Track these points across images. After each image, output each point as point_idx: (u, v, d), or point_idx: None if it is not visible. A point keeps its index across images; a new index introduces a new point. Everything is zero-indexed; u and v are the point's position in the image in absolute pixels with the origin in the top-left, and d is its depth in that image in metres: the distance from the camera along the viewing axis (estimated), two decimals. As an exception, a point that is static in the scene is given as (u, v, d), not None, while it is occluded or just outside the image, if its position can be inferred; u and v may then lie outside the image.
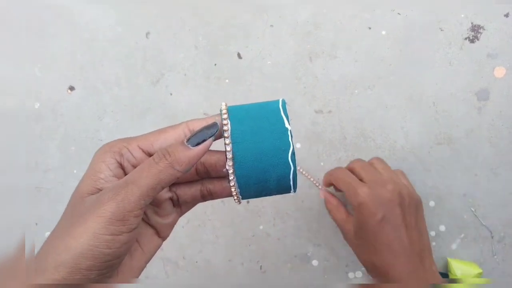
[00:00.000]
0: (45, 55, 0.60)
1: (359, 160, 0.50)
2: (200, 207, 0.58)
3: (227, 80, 0.58)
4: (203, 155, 0.28)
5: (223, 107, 0.30)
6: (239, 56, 0.58)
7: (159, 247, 0.33)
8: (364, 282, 0.56)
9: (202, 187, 0.33)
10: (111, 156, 0.28)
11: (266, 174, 0.29)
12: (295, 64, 0.57)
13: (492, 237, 0.55)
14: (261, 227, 0.57)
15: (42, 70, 0.60)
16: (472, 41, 0.55)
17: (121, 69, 0.59)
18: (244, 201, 0.58)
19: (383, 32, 0.56)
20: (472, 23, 0.55)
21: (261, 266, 0.58)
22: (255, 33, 0.58)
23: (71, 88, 0.60)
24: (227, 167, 0.29)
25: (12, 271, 0.25)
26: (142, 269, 0.32)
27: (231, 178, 0.29)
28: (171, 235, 0.57)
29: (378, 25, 0.56)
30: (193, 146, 0.27)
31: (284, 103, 0.31)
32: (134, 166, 0.29)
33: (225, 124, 0.29)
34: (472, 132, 0.55)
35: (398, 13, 0.56)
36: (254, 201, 0.57)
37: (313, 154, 0.57)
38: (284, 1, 0.57)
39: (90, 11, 0.60)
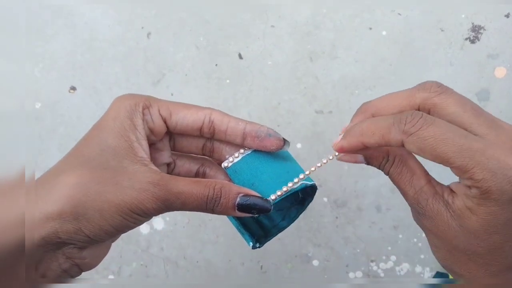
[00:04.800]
0: (45, 55, 0.60)
1: (435, 84, 0.28)
2: (200, 207, 0.58)
3: (227, 80, 0.58)
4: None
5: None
6: (239, 56, 0.58)
7: None
8: (364, 283, 0.56)
9: (201, 168, 0.33)
10: (140, 117, 0.28)
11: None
12: (295, 64, 0.57)
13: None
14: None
15: (42, 70, 0.60)
16: (472, 41, 0.55)
17: (121, 69, 0.59)
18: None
19: (384, 32, 0.56)
20: (472, 23, 0.55)
21: (261, 266, 0.58)
22: (255, 33, 0.57)
23: (72, 88, 0.60)
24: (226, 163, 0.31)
25: (9, 193, 0.26)
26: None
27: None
28: (171, 235, 0.57)
29: (378, 25, 0.56)
30: (239, 210, 0.28)
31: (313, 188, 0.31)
32: (150, 128, 0.29)
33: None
34: (472, 132, 0.55)
35: (399, 13, 0.55)
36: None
37: (313, 155, 0.56)
38: (284, 1, 0.57)
39: (90, 11, 0.59)
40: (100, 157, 0.27)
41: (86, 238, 0.26)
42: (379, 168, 0.29)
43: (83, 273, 0.29)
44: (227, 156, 0.31)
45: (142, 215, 0.26)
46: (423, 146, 0.24)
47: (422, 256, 0.56)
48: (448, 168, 0.25)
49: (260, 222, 0.34)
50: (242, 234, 0.31)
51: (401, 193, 0.28)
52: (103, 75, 0.59)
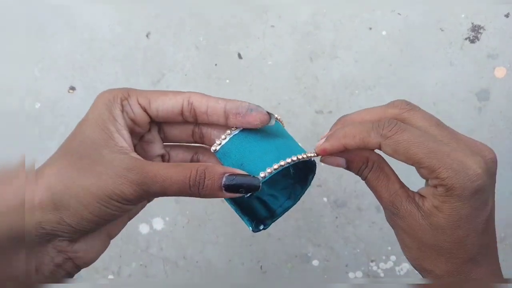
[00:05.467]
0: (45, 55, 0.60)
1: (403, 102, 0.31)
2: (201, 207, 0.58)
3: (227, 80, 0.58)
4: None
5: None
6: (239, 56, 0.58)
7: (143, 207, 0.33)
8: (364, 283, 0.56)
9: (194, 156, 0.33)
10: (119, 109, 0.29)
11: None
12: (295, 64, 0.57)
13: (492, 237, 0.55)
14: (261, 227, 0.57)
15: (42, 70, 0.60)
16: (472, 41, 0.55)
17: (121, 69, 0.59)
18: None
19: (384, 32, 0.56)
20: (472, 23, 0.55)
21: (261, 266, 0.58)
22: (255, 33, 0.58)
23: (72, 88, 0.60)
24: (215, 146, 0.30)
25: (9, 178, 0.26)
26: (122, 227, 0.32)
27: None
28: (171, 235, 0.57)
29: (378, 25, 0.56)
30: (227, 190, 0.27)
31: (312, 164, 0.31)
32: (131, 119, 0.29)
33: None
34: (472, 132, 0.55)
35: (399, 13, 0.56)
36: (254, 201, 0.57)
37: (313, 154, 0.57)
38: (284, 1, 0.57)
39: (90, 11, 0.59)
40: (80, 148, 0.27)
41: (70, 228, 0.26)
42: (357, 173, 0.32)
43: (82, 273, 0.29)
44: (215, 140, 0.31)
45: (121, 201, 0.26)
46: (397, 148, 0.28)
47: (422, 256, 0.56)
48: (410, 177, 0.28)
49: (265, 202, 0.34)
50: (242, 217, 0.31)
51: (376, 196, 0.31)
52: (103, 75, 0.59)
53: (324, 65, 0.57)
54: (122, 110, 0.29)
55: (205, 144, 0.32)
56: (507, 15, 0.54)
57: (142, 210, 0.34)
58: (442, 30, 0.55)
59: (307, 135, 0.57)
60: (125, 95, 0.29)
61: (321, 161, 0.32)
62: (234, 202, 0.31)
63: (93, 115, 0.28)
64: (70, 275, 0.28)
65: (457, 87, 0.55)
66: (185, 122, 0.31)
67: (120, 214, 0.27)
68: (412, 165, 0.28)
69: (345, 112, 0.56)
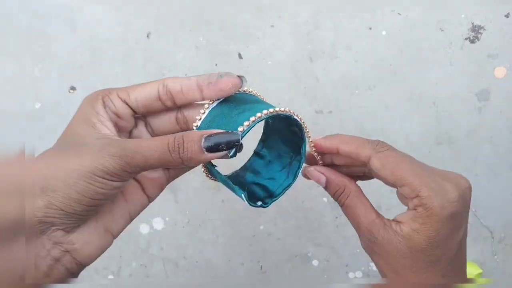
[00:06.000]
0: (45, 55, 0.60)
1: (381, 141, 0.33)
2: (200, 207, 0.58)
3: (227, 80, 0.58)
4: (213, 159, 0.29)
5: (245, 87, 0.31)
6: (239, 56, 0.58)
7: (143, 206, 0.33)
8: (364, 282, 0.56)
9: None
10: (101, 104, 0.30)
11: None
12: (295, 64, 0.57)
13: (493, 237, 0.55)
14: (261, 227, 0.57)
15: (42, 70, 0.60)
16: (472, 41, 0.55)
17: (121, 69, 0.59)
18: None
19: (384, 32, 0.56)
20: (472, 23, 0.55)
21: (261, 266, 0.58)
22: (255, 33, 0.58)
23: (72, 88, 0.60)
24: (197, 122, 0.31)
25: (9, 162, 0.27)
26: (124, 225, 0.32)
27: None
28: (171, 235, 0.57)
29: (378, 25, 0.56)
30: (208, 151, 0.28)
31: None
32: (114, 113, 0.30)
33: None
34: (472, 132, 0.55)
35: (399, 13, 0.55)
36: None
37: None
38: (284, 1, 0.57)
39: (90, 11, 0.59)
40: (65, 139, 0.29)
41: (61, 212, 0.26)
42: (333, 196, 0.34)
43: (82, 273, 0.29)
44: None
45: (106, 177, 0.27)
46: (386, 163, 0.31)
47: (422, 256, 0.56)
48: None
49: (265, 187, 0.34)
50: (233, 190, 0.31)
51: (353, 223, 0.33)
52: (103, 75, 0.59)
53: (324, 65, 0.57)
54: (104, 106, 0.30)
55: (190, 127, 0.33)
56: (507, 15, 0.54)
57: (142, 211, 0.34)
58: (442, 30, 0.55)
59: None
60: (106, 92, 0.31)
61: (304, 174, 0.34)
62: (227, 180, 0.31)
63: (78, 113, 0.30)
64: (73, 275, 0.28)
65: (457, 87, 0.55)
66: (167, 109, 0.32)
67: (108, 192, 0.27)
68: (394, 182, 0.30)
69: (345, 112, 0.56)
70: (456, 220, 0.30)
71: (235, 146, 0.28)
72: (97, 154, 0.26)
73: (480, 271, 0.52)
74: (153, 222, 0.59)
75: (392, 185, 0.32)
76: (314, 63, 0.57)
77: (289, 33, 0.57)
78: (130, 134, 0.32)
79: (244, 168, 0.35)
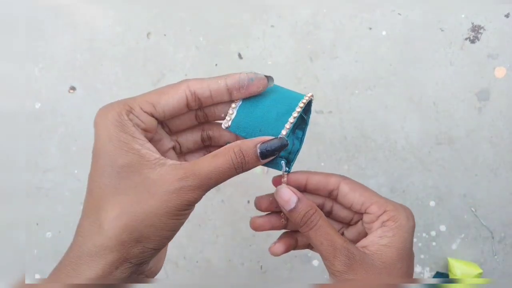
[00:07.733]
0: (45, 55, 0.60)
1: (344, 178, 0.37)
2: (200, 207, 0.58)
3: (227, 80, 0.58)
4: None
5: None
6: (239, 56, 0.58)
7: None
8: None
9: (203, 133, 0.34)
10: (131, 125, 0.28)
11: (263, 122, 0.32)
12: (295, 64, 0.57)
13: (493, 237, 0.55)
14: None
15: (42, 70, 0.60)
16: (472, 41, 0.55)
17: (121, 69, 0.59)
18: (244, 201, 0.58)
19: (383, 32, 0.56)
20: (472, 23, 0.55)
21: (261, 266, 0.58)
22: (255, 33, 0.58)
23: (72, 88, 0.60)
24: (227, 117, 0.32)
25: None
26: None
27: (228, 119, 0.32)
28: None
29: (378, 25, 0.56)
30: (263, 158, 0.30)
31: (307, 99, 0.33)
32: (144, 130, 0.29)
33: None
34: (472, 132, 0.55)
35: (399, 13, 0.56)
36: (254, 201, 0.57)
37: (313, 154, 0.57)
38: (284, 1, 0.57)
39: (90, 11, 0.59)
40: (122, 180, 0.28)
41: (153, 251, 0.28)
42: (303, 217, 0.33)
43: None
44: (222, 115, 0.32)
45: (189, 208, 0.28)
46: (355, 187, 0.35)
47: (422, 256, 0.56)
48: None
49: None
50: (272, 165, 0.33)
51: (326, 244, 0.32)
52: (103, 75, 0.59)
53: (324, 65, 0.57)
54: (133, 125, 0.29)
55: (210, 121, 0.34)
56: (507, 15, 0.54)
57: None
58: (442, 30, 0.55)
59: (307, 135, 0.57)
60: (127, 108, 0.29)
61: (275, 193, 0.34)
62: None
63: (113, 144, 0.28)
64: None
65: (457, 87, 0.55)
66: (189, 110, 0.32)
67: (187, 217, 0.29)
68: (363, 203, 0.34)
69: (345, 112, 0.56)
70: (413, 231, 0.34)
71: (284, 150, 0.31)
72: (180, 192, 0.27)
73: (480, 271, 0.52)
74: (153, 222, 0.59)
75: (359, 208, 0.34)
76: (314, 63, 0.57)
77: (289, 33, 0.57)
78: (150, 140, 0.32)
79: None
